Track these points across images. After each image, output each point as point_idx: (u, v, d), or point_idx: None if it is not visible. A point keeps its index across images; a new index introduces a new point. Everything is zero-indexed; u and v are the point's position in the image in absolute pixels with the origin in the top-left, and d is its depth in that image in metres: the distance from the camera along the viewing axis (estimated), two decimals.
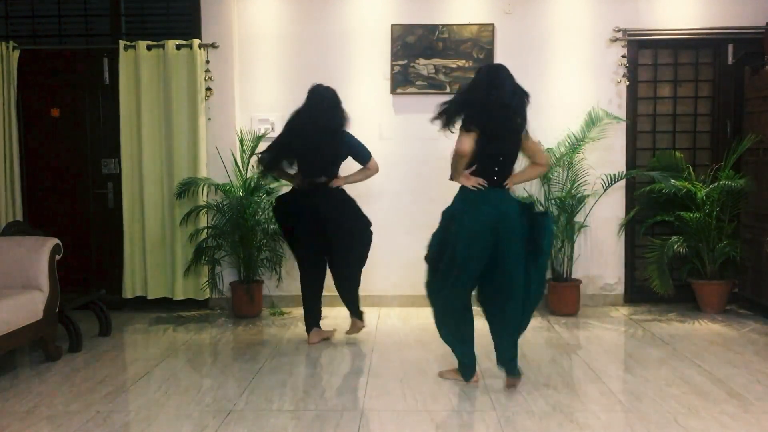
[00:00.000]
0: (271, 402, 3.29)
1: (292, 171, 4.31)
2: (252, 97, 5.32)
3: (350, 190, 4.36)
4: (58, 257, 4.11)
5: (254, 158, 4.84)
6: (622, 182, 5.21)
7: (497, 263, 3.32)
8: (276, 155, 4.21)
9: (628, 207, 5.30)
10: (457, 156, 3.31)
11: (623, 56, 5.18)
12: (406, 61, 5.21)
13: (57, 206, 5.40)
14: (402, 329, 4.71)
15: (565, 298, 5.04)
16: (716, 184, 4.93)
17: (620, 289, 5.37)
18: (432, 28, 5.19)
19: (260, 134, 5.12)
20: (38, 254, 3.98)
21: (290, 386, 3.53)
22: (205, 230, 5.09)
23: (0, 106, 5.11)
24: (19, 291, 3.83)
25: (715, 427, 2.95)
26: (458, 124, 3.34)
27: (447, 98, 3.45)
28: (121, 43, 5.10)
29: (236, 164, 5.15)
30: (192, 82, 5.09)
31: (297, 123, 4.14)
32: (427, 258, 3.49)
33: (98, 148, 5.40)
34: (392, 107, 5.28)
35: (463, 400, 3.31)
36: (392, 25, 5.20)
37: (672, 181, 4.92)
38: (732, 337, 4.40)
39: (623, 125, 5.25)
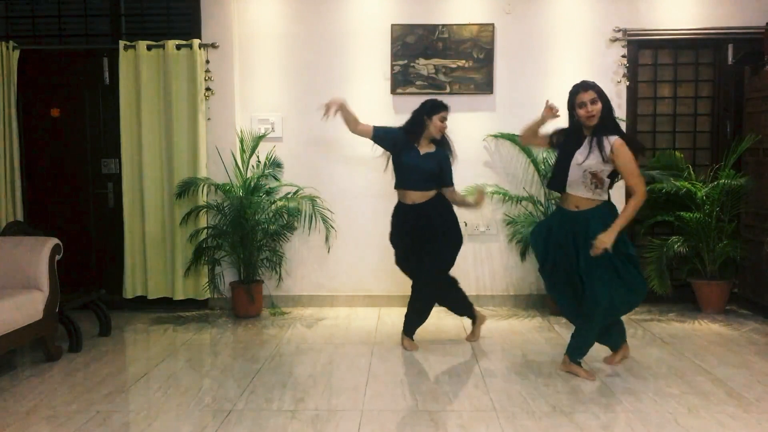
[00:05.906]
0: (271, 402, 3.29)
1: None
2: (252, 97, 5.32)
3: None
4: (58, 257, 4.11)
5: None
6: (622, 182, 5.19)
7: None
8: None
9: None
10: None
11: (623, 56, 5.18)
12: (406, 61, 5.21)
13: (57, 206, 5.40)
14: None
15: None
16: (716, 183, 4.93)
17: None
18: (432, 28, 5.19)
19: (260, 134, 5.13)
20: (38, 254, 3.98)
21: (290, 386, 3.53)
22: (205, 230, 5.09)
23: (0, 106, 5.12)
24: (19, 291, 3.84)
25: (715, 427, 2.95)
26: None
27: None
28: (121, 43, 5.10)
29: (236, 164, 5.15)
30: (192, 82, 5.09)
31: None
32: None
33: (98, 148, 5.40)
34: (392, 107, 5.27)
35: (463, 400, 3.31)
36: (392, 25, 5.20)
37: (672, 180, 4.92)
38: (732, 337, 4.40)
39: (623, 125, 5.23)
